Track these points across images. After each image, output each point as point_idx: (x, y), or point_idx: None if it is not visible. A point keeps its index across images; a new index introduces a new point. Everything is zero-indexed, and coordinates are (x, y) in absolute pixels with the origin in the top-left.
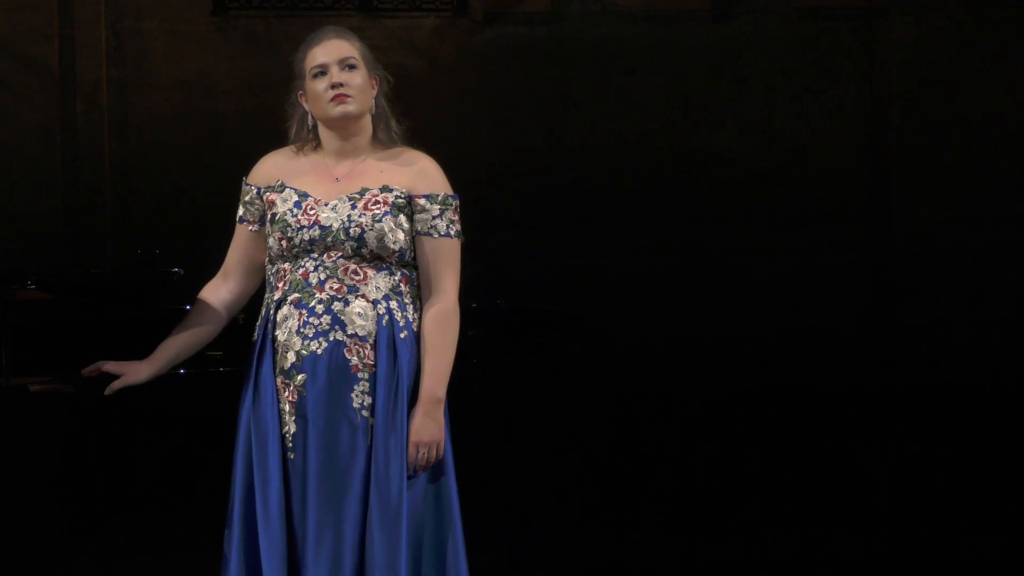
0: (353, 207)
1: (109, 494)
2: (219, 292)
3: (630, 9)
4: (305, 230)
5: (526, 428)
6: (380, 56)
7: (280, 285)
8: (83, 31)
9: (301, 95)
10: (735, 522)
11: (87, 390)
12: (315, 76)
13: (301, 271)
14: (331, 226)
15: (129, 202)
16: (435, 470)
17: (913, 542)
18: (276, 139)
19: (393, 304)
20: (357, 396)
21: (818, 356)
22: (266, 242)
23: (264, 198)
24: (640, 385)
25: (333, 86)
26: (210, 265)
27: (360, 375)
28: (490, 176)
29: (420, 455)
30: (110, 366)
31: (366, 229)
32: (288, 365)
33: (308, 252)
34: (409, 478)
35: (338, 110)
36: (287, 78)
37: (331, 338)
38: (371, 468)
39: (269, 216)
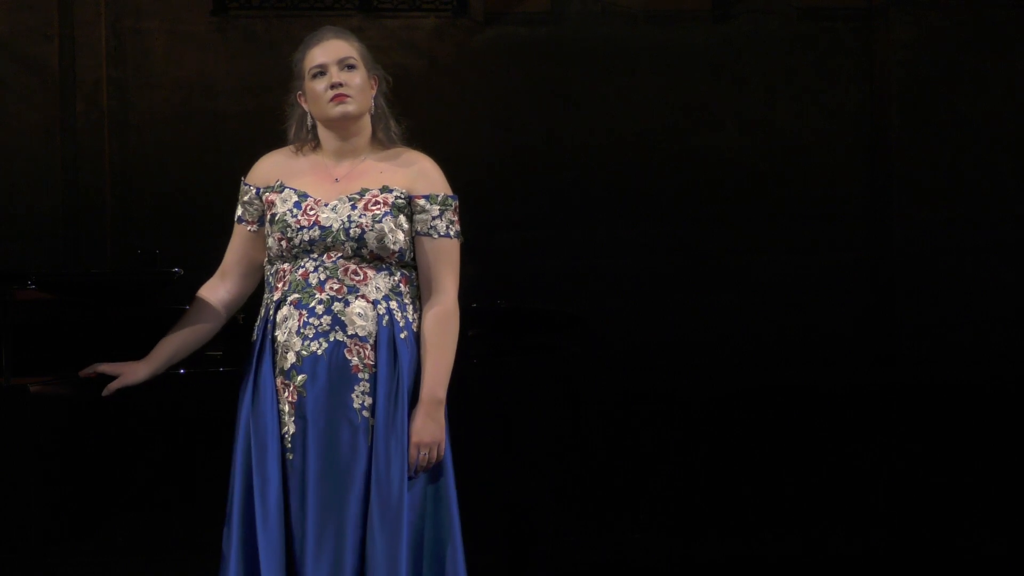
0: (353, 207)
1: (109, 494)
2: (217, 292)
3: (630, 9)
4: (305, 230)
5: (526, 428)
6: (380, 56)
7: (279, 285)
8: (83, 31)
9: (300, 95)
10: (735, 522)
11: (85, 391)
12: (314, 76)
13: (301, 271)
14: (331, 226)
15: (129, 202)
16: (435, 470)
17: (913, 542)
18: (276, 139)
19: (393, 304)
20: (357, 396)
21: (818, 356)
22: (265, 242)
23: (263, 198)
24: (640, 385)
25: (333, 86)
26: (210, 265)
27: (360, 375)
28: (490, 176)
29: (421, 456)
30: (106, 367)
31: (366, 229)
32: (288, 365)
33: (308, 252)
34: (410, 479)
35: (338, 110)
36: (287, 78)
37: (331, 338)
38: (371, 468)
39: (269, 216)
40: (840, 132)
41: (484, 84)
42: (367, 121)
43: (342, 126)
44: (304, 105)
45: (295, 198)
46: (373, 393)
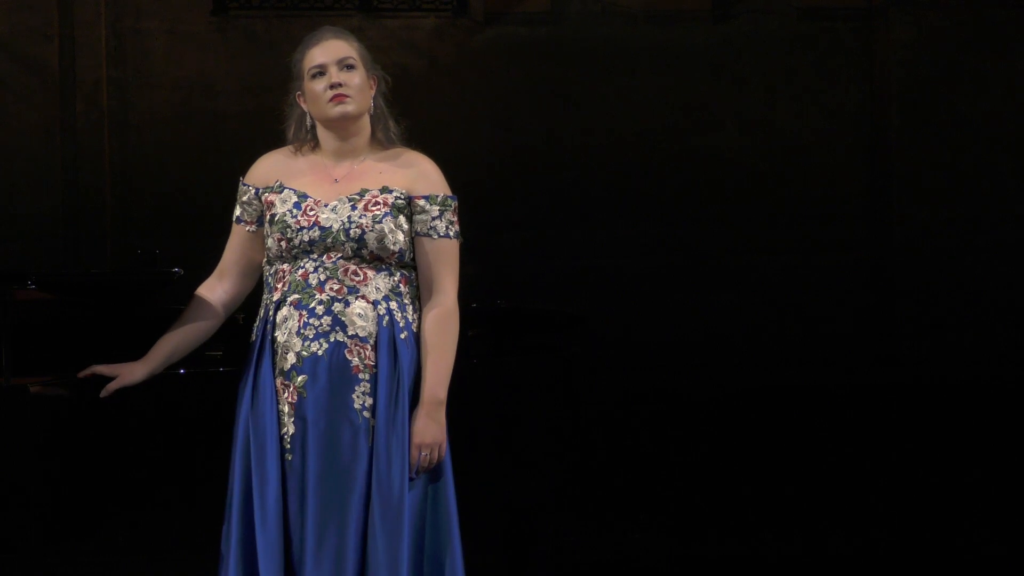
0: (353, 208)
1: (109, 494)
2: (215, 291)
3: (630, 9)
4: (305, 231)
5: (526, 428)
6: (380, 56)
7: (279, 286)
8: (83, 31)
9: (299, 96)
10: (735, 522)
11: (85, 391)
12: (313, 76)
13: (300, 272)
14: (331, 227)
15: (129, 202)
16: (434, 471)
17: (913, 542)
18: (276, 139)
19: (393, 305)
20: (358, 397)
21: (818, 356)
22: (263, 243)
23: (262, 199)
24: (640, 385)
25: (332, 86)
26: (210, 265)
27: (361, 376)
28: (490, 176)
29: (423, 457)
30: (103, 368)
31: (366, 230)
32: (288, 366)
33: (307, 253)
34: (411, 479)
35: (337, 110)
36: (287, 78)
37: (332, 339)
38: (372, 469)
39: (268, 217)
40: (840, 132)
41: (484, 84)
42: (366, 121)
43: (341, 126)
44: (303, 105)
45: (295, 199)
46: (374, 393)
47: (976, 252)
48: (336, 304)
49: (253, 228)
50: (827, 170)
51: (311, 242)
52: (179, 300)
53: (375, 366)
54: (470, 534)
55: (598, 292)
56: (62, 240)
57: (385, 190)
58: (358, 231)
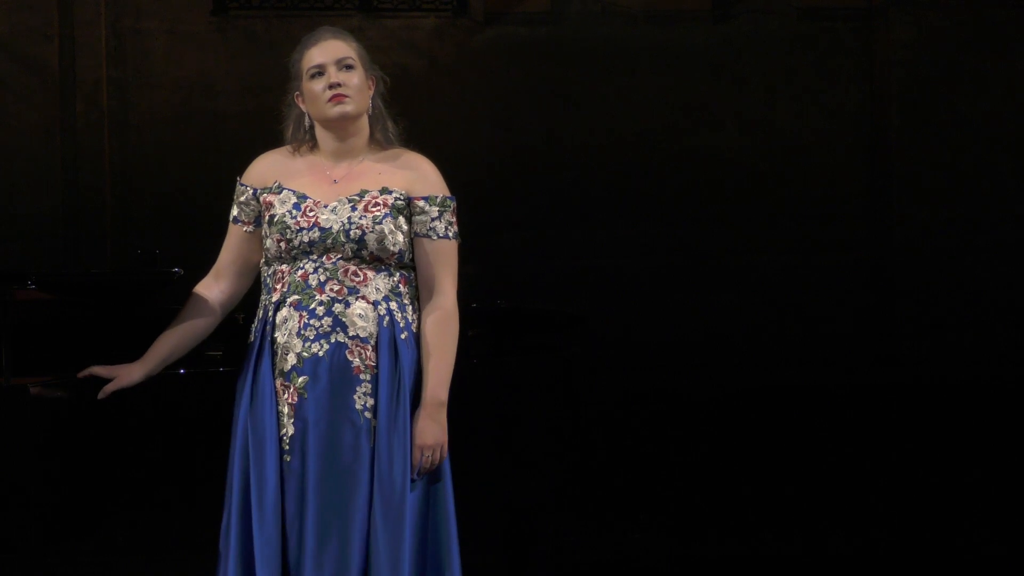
0: (353, 209)
1: (108, 494)
2: (212, 291)
3: (630, 9)
4: (305, 232)
5: (526, 428)
6: (380, 56)
7: (278, 287)
8: (83, 31)
9: (297, 96)
10: (735, 522)
11: (85, 391)
12: (312, 76)
13: (300, 273)
14: (331, 228)
15: (129, 202)
16: (434, 472)
17: (913, 542)
18: (276, 139)
19: (393, 305)
20: (359, 398)
21: (818, 356)
22: (261, 243)
23: (260, 199)
24: (640, 385)
25: (331, 86)
26: (210, 265)
27: (362, 376)
28: (490, 176)
29: (424, 458)
30: (101, 370)
31: (367, 231)
32: (288, 367)
33: (307, 254)
34: (412, 480)
35: (336, 110)
36: (287, 78)
37: (332, 340)
38: (374, 469)
39: (267, 218)
40: (840, 132)
41: (484, 84)
42: (365, 122)
43: (340, 126)
44: (302, 105)
45: (294, 199)
46: (375, 394)
47: (976, 252)
48: (336, 305)
49: (250, 228)
50: (827, 170)
51: (311, 243)
52: (179, 300)
53: (376, 367)
54: (470, 534)
55: (598, 292)
56: (62, 240)
57: (385, 191)
58: (358, 232)
